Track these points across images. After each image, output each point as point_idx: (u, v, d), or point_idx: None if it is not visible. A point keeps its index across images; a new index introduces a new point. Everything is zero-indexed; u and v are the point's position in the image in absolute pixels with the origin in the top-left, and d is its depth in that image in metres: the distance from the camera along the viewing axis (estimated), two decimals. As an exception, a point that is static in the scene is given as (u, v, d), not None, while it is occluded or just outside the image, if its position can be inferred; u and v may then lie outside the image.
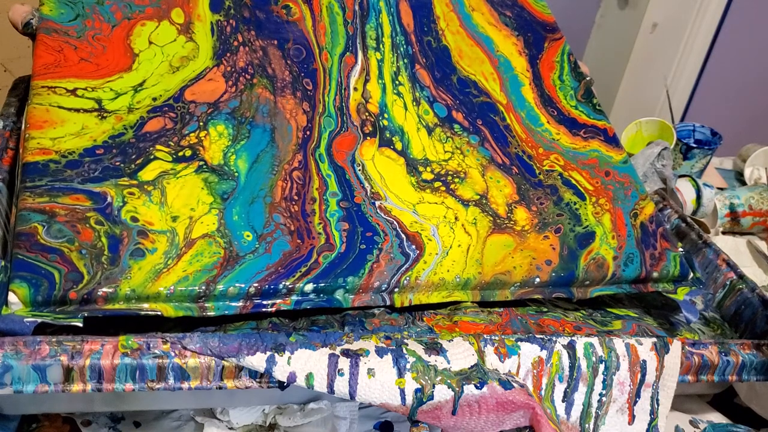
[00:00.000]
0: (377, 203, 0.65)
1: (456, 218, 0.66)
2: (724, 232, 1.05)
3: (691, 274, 0.70)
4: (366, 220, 0.63)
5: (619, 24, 1.91)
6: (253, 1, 0.76)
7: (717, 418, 0.70)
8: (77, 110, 0.62)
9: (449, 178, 0.69)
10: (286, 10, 0.77)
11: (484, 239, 0.65)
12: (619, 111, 1.93)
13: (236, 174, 0.63)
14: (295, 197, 0.63)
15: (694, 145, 1.15)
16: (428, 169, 0.69)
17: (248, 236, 0.59)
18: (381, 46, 0.77)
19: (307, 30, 0.76)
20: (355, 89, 0.73)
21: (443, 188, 0.68)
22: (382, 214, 0.64)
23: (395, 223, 0.63)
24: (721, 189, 1.10)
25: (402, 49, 0.78)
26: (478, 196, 0.68)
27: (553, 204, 0.69)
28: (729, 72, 1.87)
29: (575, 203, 0.70)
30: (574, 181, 0.72)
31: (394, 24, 0.80)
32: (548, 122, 0.77)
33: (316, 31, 0.76)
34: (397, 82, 0.75)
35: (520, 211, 0.68)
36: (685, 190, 1.04)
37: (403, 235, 0.63)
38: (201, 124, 0.65)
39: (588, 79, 0.82)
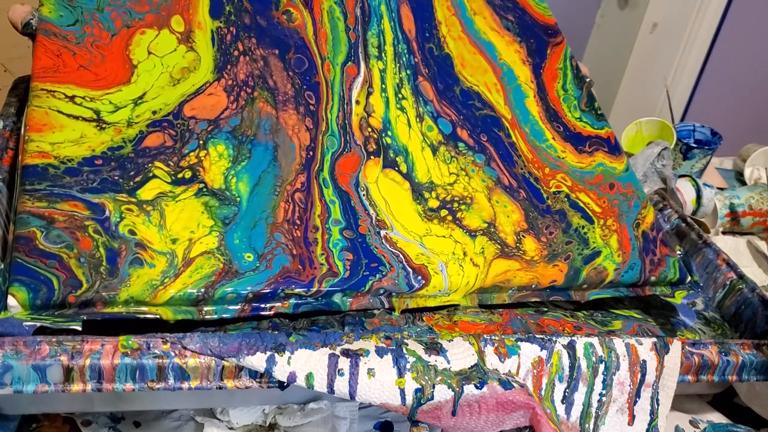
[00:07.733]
0: (383, 233, 0.63)
1: (464, 253, 0.64)
2: (724, 232, 1.05)
3: (689, 278, 0.70)
4: (371, 252, 0.61)
5: (619, 24, 1.92)
6: (253, 6, 0.75)
7: (717, 418, 0.70)
8: (76, 117, 0.62)
9: (455, 205, 0.67)
10: (287, 15, 0.75)
11: (490, 262, 0.64)
12: (619, 111, 1.93)
13: (238, 199, 0.61)
14: (298, 221, 0.62)
15: (694, 145, 1.15)
16: (434, 194, 0.67)
17: (249, 257, 0.58)
18: (383, 54, 0.75)
19: (309, 38, 0.74)
20: (357, 102, 0.71)
21: (450, 218, 0.66)
22: (388, 246, 0.62)
23: (401, 255, 0.62)
24: (721, 189, 1.10)
25: (404, 59, 0.76)
26: (486, 225, 0.66)
27: (562, 232, 0.68)
28: (729, 72, 1.87)
29: (583, 227, 0.69)
30: (581, 204, 0.71)
31: (396, 30, 0.78)
32: (553, 138, 0.75)
33: (318, 39, 0.74)
34: (400, 96, 0.73)
35: (529, 240, 0.66)
36: (685, 190, 1.04)
37: (409, 269, 0.61)
38: (201, 142, 0.64)
39: (588, 81, 0.82)
